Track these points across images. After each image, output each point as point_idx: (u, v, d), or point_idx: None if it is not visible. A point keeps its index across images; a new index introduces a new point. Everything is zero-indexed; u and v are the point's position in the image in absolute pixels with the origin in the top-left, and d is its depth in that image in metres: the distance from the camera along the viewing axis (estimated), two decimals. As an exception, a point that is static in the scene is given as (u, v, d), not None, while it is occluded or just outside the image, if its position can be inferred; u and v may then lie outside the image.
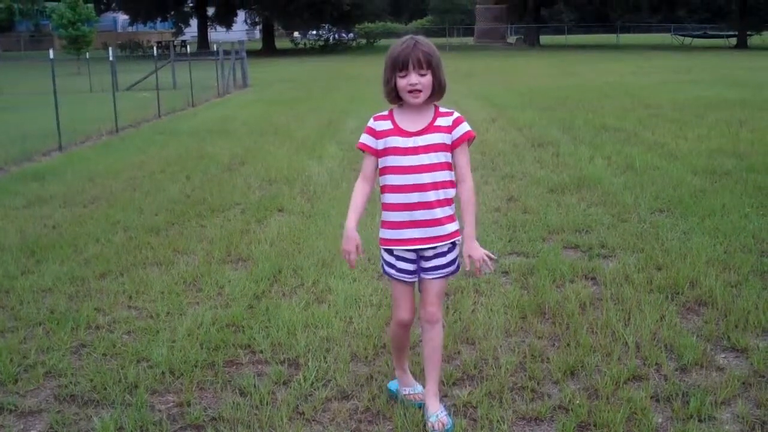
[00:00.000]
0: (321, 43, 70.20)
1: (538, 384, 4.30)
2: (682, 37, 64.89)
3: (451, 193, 3.79)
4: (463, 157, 3.80)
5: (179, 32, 73.61)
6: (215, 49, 28.93)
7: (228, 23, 73.64)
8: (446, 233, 3.80)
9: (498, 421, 3.89)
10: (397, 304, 3.95)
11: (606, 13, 76.00)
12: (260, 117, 18.34)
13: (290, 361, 4.68)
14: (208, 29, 73.08)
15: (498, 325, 5.11)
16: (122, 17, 78.95)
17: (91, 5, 45.26)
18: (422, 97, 3.70)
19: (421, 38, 3.72)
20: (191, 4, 71.97)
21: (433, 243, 3.79)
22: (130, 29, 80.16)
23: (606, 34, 74.10)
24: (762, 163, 10.32)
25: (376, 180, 3.90)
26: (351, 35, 73.45)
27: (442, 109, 3.81)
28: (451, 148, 3.77)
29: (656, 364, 4.51)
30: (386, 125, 3.80)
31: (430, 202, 3.73)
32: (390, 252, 3.86)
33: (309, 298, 5.73)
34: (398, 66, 3.65)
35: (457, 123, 3.79)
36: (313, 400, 4.17)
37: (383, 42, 72.36)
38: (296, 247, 7.03)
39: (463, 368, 4.51)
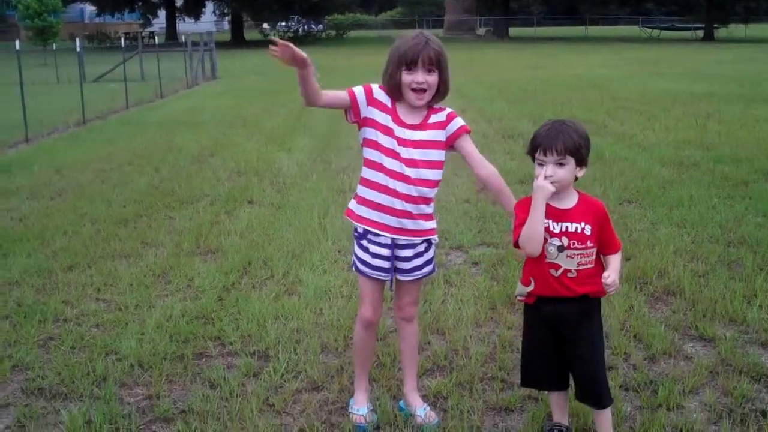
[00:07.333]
0: (290, 34, 69.88)
1: (507, 374, 4.32)
2: (650, 30, 65.42)
3: (432, 192, 3.68)
4: (467, 146, 3.71)
5: (147, 23, 73.09)
6: (183, 40, 28.75)
7: (196, 14, 73.24)
8: (421, 229, 3.70)
9: (468, 411, 3.90)
10: (365, 301, 3.85)
11: (574, 6, 76.37)
12: (229, 109, 18.24)
13: (260, 353, 4.66)
14: (177, 20, 72.56)
15: (468, 315, 5.12)
16: (89, 8, 78.10)
17: (57, -5, 44.82)
18: (426, 97, 3.60)
19: (432, 36, 3.63)
20: (159, -5, 71.42)
21: (406, 236, 3.68)
22: (97, 20, 79.38)
23: (575, 26, 74.44)
24: (729, 155, 10.41)
25: (321, 98, 3.77)
26: (320, 27, 73.24)
27: (434, 106, 3.72)
28: (446, 144, 3.68)
29: (625, 353, 4.54)
30: (386, 100, 3.66)
31: (412, 196, 3.61)
32: (363, 236, 3.71)
33: (279, 289, 5.71)
34: (406, 61, 3.54)
35: (450, 118, 3.71)
36: (284, 392, 4.16)
37: (353, 34, 72.26)
38: (266, 239, 7.00)
39: (433, 359, 4.52)
